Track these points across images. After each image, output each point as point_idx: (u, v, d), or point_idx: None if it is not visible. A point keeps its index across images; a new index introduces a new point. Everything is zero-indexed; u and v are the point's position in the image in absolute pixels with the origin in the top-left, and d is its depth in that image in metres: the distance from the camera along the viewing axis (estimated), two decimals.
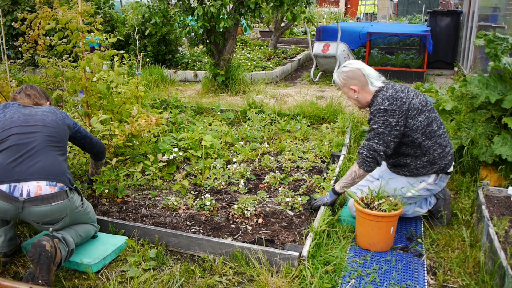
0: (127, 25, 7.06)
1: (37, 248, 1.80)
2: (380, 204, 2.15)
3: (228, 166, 3.13)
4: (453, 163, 2.33)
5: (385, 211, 2.12)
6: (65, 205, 1.97)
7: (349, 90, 2.31)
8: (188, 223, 2.42)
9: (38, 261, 1.79)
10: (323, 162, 3.24)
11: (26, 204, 1.89)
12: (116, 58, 3.17)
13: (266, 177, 2.93)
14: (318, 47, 6.47)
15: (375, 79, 2.27)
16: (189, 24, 5.33)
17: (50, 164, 1.98)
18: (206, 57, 6.19)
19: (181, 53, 7.69)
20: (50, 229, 1.95)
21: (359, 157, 2.25)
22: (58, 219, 1.98)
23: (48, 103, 2.33)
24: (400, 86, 2.27)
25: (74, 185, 2.08)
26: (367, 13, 15.15)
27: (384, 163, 2.46)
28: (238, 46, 9.01)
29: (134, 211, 2.58)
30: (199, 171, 3.08)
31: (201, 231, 2.34)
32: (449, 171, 2.29)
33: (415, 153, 2.24)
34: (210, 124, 4.06)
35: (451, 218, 2.47)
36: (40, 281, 1.77)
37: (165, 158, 3.02)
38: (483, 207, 2.26)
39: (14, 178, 1.89)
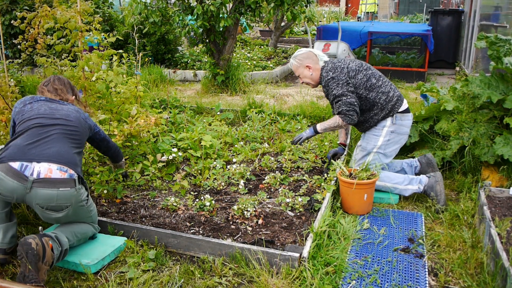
0: (126, 24, 7.04)
1: (24, 246, 1.80)
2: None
3: (228, 167, 3.11)
4: (405, 101, 2.70)
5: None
6: (72, 194, 1.98)
7: (304, 69, 2.74)
8: (188, 223, 2.40)
9: (26, 260, 1.79)
10: (324, 162, 3.22)
11: (34, 185, 1.91)
12: (115, 57, 3.15)
13: (266, 178, 2.92)
14: (318, 47, 6.45)
15: (322, 58, 2.75)
16: (189, 23, 5.31)
17: (65, 152, 2.04)
18: (206, 57, 6.18)
19: (181, 53, 7.67)
20: (40, 228, 1.95)
21: (341, 115, 2.63)
22: (62, 206, 1.98)
23: (73, 97, 2.40)
24: (337, 59, 2.74)
25: (84, 180, 2.09)
26: (367, 12, 15.12)
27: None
28: (238, 46, 8.99)
29: (133, 212, 2.56)
30: (199, 171, 3.07)
31: (201, 232, 2.33)
32: (400, 110, 2.65)
33: (366, 106, 2.66)
34: (209, 124, 4.04)
35: (454, 219, 2.46)
36: (32, 281, 1.76)
37: (164, 158, 3.01)
38: (485, 207, 2.24)
39: (28, 157, 1.94)
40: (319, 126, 2.77)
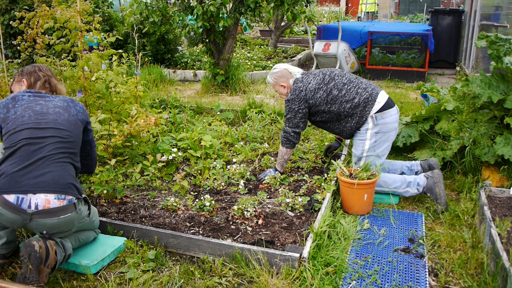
0: (125, 24, 7.04)
1: (27, 248, 1.79)
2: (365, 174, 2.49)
3: (228, 167, 3.11)
4: (379, 99, 2.63)
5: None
6: (73, 218, 1.94)
7: (280, 87, 2.84)
8: (188, 224, 2.40)
9: (28, 261, 1.79)
10: (324, 162, 3.22)
11: (34, 217, 1.85)
12: (114, 57, 3.15)
13: (266, 178, 2.91)
14: (318, 47, 6.44)
15: (295, 76, 2.80)
16: (188, 23, 5.30)
17: (60, 176, 1.91)
18: (206, 57, 6.17)
19: (180, 53, 7.66)
20: (44, 231, 1.93)
21: (281, 140, 2.84)
22: (65, 230, 1.96)
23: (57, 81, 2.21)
24: (303, 76, 2.78)
25: (83, 195, 2.04)
26: (368, 12, 15.11)
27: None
28: (238, 46, 8.99)
29: (133, 212, 2.56)
30: (199, 171, 3.06)
31: (201, 232, 2.32)
32: (376, 111, 2.61)
33: (332, 118, 2.72)
34: (209, 124, 4.03)
35: (454, 219, 2.46)
36: (32, 283, 1.76)
37: (164, 158, 3.00)
38: (485, 208, 2.24)
39: (22, 189, 1.83)
40: (277, 166, 2.92)
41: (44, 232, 1.92)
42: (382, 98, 2.63)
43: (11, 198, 1.83)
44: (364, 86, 2.66)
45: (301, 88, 2.71)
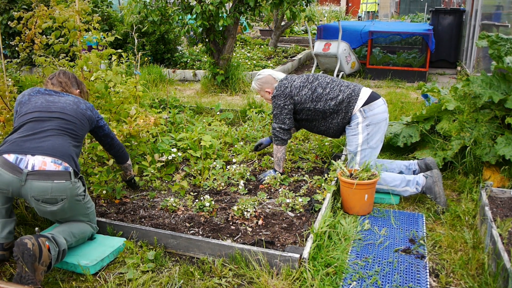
0: (125, 23, 7.02)
1: (20, 246, 1.79)
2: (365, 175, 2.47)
3: (228, 167, 3.10)
4: (363, 93, 2.69)
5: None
6: (66, 186, 1.97)
7: (265, 93, 2.92)
8: (187, 224, 2.39)
9: (22, 260, 1.78)
10: (324, 162, 3.21)
11: (29, 177, 1.92)
12: (114, 57, 3.13)
13: (266, 178, 2.90)
14: (319, 46, 6.43)
15: (279, 80, 2.86)
16: (188, 22, 5.28)
17: (60, 145, 2.04)
18: (206, 56, 6.16)
19: (180, 52, 7.65)
20: (36, 228, 1.96)
21: (273, 139, 2.86)
22: (57, 199, 1.97)
23: (78, 90, 2.42)
24: (288, 76, 2.86)
25: (80, 174, 2.09)
26: (368, 11, 15.09)
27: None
28: (238, 45, 8.98)
29: (132, 212, 2.55)
30: (198, 171, 3.05)
31: (200, 232, 2.31)
32: (362, 104, 2.65)
33: (318, 116, 2.76)
34: (209, 124, 4.02)
35: (455, 219, 2.45)
36: (28, 282, 1.75)
37: (163, 158, 2.99)
38: (486, 208, 2.23)
39: (22, 150, 1.96)
40: (275, 166, 2.92)
41: (39, 199, 1.96)
42: (364, 93, 2.70)
43: (10, 157, 1.95)
44: (346, 84, 2.76)
45: (286, 85, 2.78)
